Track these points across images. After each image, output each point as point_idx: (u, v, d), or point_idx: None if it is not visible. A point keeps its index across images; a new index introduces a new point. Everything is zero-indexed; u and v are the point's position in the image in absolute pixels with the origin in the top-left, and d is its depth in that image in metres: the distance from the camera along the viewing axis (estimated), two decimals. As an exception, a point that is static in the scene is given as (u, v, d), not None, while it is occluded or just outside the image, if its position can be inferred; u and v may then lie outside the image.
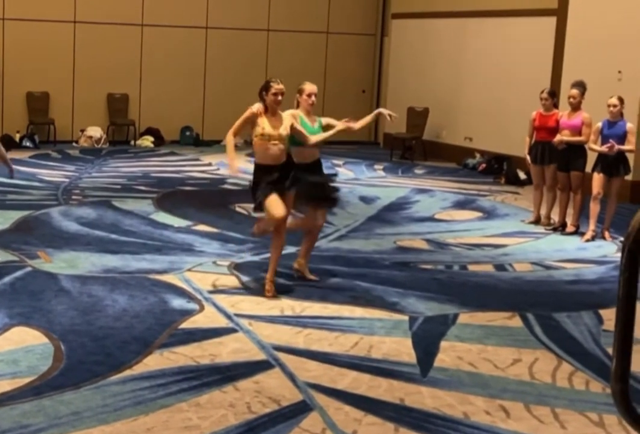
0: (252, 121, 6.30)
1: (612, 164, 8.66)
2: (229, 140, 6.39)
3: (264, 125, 6.26)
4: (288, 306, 6.15)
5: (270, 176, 6.22)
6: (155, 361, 4.93)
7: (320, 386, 4.70)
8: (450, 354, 5.31)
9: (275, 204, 6.16)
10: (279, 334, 5.53)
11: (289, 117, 6.41)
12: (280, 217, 6.17)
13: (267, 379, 4.77)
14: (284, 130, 6.28)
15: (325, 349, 5.30)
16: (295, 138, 6.52)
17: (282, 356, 5.12)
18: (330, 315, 6.01)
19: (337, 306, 6.20)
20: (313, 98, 6.66)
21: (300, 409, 4.39)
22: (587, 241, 8.64)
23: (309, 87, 6.67)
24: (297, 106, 6.71)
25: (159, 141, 15.12)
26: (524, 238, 8.79)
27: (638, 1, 11.12)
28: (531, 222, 9.49)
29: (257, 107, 6.30)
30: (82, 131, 14.83)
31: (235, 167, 6.52)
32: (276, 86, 6.24)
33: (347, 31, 16.43)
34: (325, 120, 6.84)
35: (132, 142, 15.06)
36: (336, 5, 16.30)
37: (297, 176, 6.38)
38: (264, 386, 4.65)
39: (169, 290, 6.37)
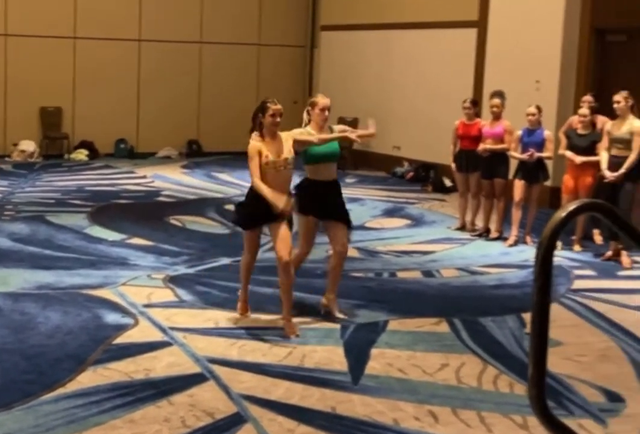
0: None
1: (532, 171, 8.81)
2: (264, 188, 5.67)
3: (265, 153, 5.75)
4: (223, 317, 6.11)
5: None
6: (89, 378, 4.85)
7: (254, 397, 4.67)
8: (380, 361, 5.33)
9: (281, 241, 5.81)
10: (213, 347, 5.48)
11: (290, 138, 5.87)
12: (287, 260, 5.78)
13: (201, 392, 4.72)
14: (289, 153, 5.80)
15: (259, 360, 5.27)
16: (307, 155, 6.10)
17: (216, 368, 5.08)
18: (264, 326, 5.99)
19: (271, 316, 6.17)
20: (326, 113, 6.09)
21: (234, 422, 4.36)
22: (510, 246, 8.77)
23: (323, 100, 6.10)
24: (308, 121, 6.16)
25: (93, 154, 14.89)
26: (450, 244, 8.87)
27: (554, 13, 11.33)
28: (457, 229, 9.59)
29: (257, 145, 5.76)
30: (15, 145, 14.53)
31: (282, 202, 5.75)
32: (274, 107, 5.74)
33: (278, 43, 16.42)
34: (339, 128, 6.43)
35: (66, 156, 14.81)
36: (267, 17, 16.29)
37: (310, 197, 6.05)
38: (199, 400, 4.61)
39: (103, 305, 6.27)
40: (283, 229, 5.81)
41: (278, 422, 4.37)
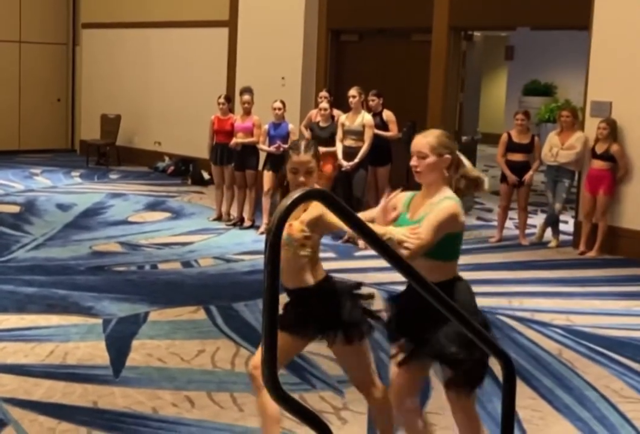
0: None
1: (279, 162, 8.98)
2: None
3: None
4: (-17, 322, 5.80)
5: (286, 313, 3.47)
6: None
7: (15, 399, 4.48)
8: (141, 352, 5.28)
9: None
10: (-27, 353, 5.20)
11: (320, 212, 3.25)
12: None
13: (-40, 401, 4.48)
14: (296, 231, 3.32)
15: (21, 361, 5.05)
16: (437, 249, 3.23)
17: (-24, 374, 4.83)
18: (26, 326, 5.74)
19: (34, 316, 5.93)
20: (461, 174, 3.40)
21: (-5, 427, 4.18)
22: (262, 233, 8.89)
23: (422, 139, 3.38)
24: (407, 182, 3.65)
25: None
26: (208, 234, 8.90)
27: (295, 14, 11.59)
28: (214, 219, 9.64)
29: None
30: None
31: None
32: (295, 158, 3.42)
33: (40, 40, 15.66)
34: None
35: None
36: (27, 14, 15.45)
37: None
38: (-43, 409, 4.37)
39: None
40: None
41: (39, 422, 4.23)
